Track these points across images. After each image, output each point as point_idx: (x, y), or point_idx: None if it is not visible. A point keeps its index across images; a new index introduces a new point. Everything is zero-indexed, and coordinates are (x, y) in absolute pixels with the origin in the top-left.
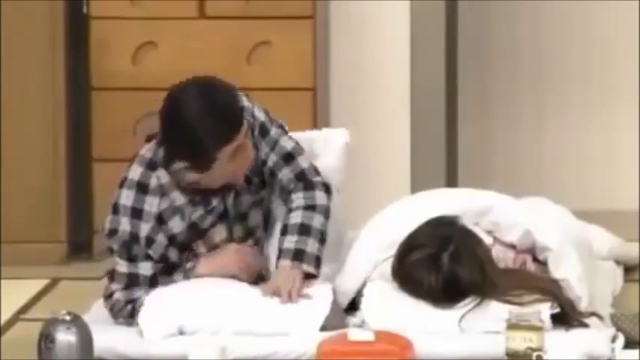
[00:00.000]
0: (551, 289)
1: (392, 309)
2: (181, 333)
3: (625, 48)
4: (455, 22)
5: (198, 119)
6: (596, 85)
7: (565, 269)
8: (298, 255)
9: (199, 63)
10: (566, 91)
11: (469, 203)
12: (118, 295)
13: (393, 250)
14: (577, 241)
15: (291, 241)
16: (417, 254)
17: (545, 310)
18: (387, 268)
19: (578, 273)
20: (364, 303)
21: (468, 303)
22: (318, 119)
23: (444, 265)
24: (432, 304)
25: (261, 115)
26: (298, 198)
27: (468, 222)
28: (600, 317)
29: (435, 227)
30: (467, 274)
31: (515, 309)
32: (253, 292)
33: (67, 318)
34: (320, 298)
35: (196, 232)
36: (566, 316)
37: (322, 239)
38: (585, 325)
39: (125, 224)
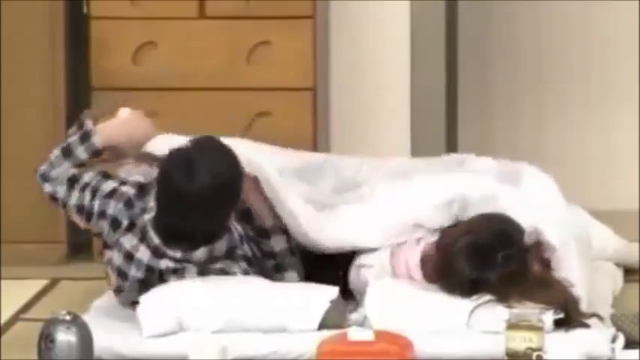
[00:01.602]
0: (567, 303)
1: (395, 307)
2: (180, 328)
3: (625, 48)
4: (455, 22)
5: (203, 206)
6: (596, 85)
7: (566, 269)
8: None
9: (199, 63)
10: (566, 91)
11: (474, 188)
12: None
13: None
14: (577, 238)
15: None
16: (471, 239)
17: (549, 313)
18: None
19: (579, 274)
20: (367, 301)
21: (478, 298)
22: (318, 119)
23: (495, 263)
24: (445, 291)
25: None
26: None
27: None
28: (600, 317)
29: (496, 223)
30: (508, 280)
31: (516, 309)
32: (252, 287)
33: (67, 318)
34: (320, 293)
35: None
36: (568, 318)
37: None
38: (586, 326)
39: None
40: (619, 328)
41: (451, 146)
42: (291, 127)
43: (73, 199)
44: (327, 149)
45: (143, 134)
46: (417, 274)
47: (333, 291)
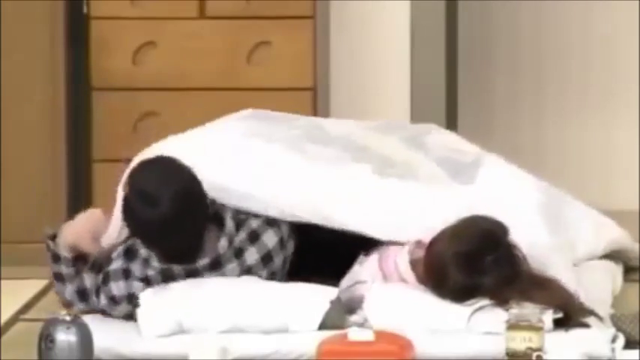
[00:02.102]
0: (566, 302)
1: (395, 308)
2: (180, 330)
3: (625, 48)
4: (455, 22)
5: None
6: (596, 84)
7: (553, 273)
8: None
9: (199, 63)
10: (566, 90)
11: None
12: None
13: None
14: (562, 241)
15: None
16: (457, 248)
17: (548, 313)
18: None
19: (567, 278)
20: (367, 302)
21: (475, 302)
22: None
23: (485, 268)
24: (441, 299)
25: None
26: None
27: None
28: (600, 318)
29: (480, 225)
30: (502, 282)
31: (516, 309)
32: (252, 288)
33: (67, 318)
34: (320, 294)
35: None
36: (567, 317)
37: None
38: (586, 325)
39: None
40: (619, 328)
41: None
42: None
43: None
44: None
45: (100, 225)
46: (410, 276)
47: (332, 291)
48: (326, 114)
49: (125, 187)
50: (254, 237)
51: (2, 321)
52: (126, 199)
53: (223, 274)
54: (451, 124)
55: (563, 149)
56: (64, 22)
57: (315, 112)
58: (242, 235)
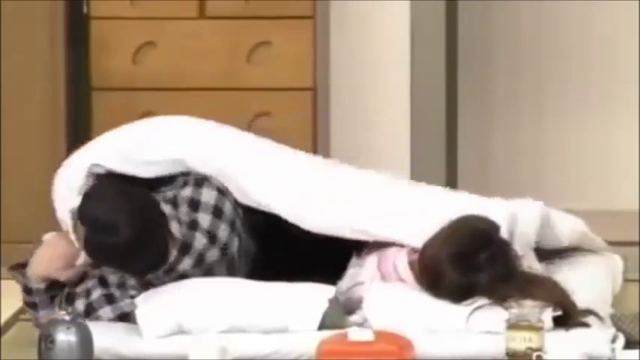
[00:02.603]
0: (563, 298)
1: (395, 308)
2: (179, 330)
3: (625, 48)
4: (455, 22)
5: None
6: (596, 85)
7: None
8: None
9: (199, 63)
10: (566, 90)
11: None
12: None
13: None
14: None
15: None
16: (450, 248)
17: (548, 311)
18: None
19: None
20: (367, 302)
21: (474, 301)
22: (317, 119)
23: (479, 266)
24: (439, 299)
25: None
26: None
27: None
28: (600, 317)
29: (471, 224)
30: (497, 279)
31: (515, 309)
32: (251, 288)
33: (67, 318)
34: (318, 293)
35: None
36: (567, 316)
37: None
38: (586, 325)
39: None
40: (619, 328)
41: (451, 146)
42: (291, 127)
43: None
44: (327, 149)
45: (68, 251)
46: (409, 277)
47: (329, 290)
48: (326, 114)
49: (77, 228)
50: (194, 203)
51: (2, 321)
52: (84, 237)
53: (198, 253)
54: (451, 124)
55: (563, 149)
56: (64, 22)
57: (315, 112)
58: (183, 209)
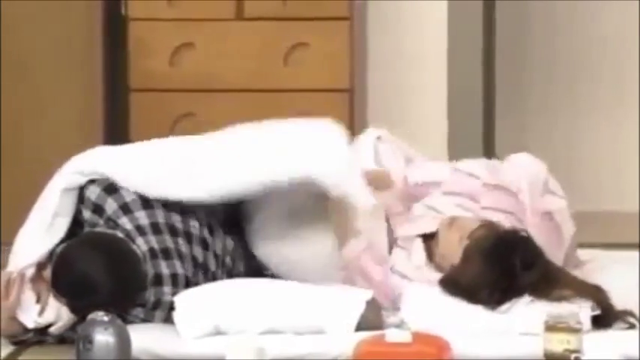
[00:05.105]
0: (595, 293)
1: (432, 309)
2: (217, 331)
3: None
4: (492, 22)
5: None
6: (631, 84)
7: None
8: None
9: (236, 64)
10: (600, 89)
11: None
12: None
13: None
14: None
15: None
16: (484, 259)
17: (586, 312)
18: (429, 271)
19: None
20: (404, 303)
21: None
22: (355, 120)
23: (515, 273)
24: (479, 306)
25: None
26: None
27: None
28: (637, 318)
29: (498, 234)
30: (535, 277)
31: (554, 310)
32: (288, 290)
33: (105, 319)
34: (356, 296)
35: None
36: (605, 316)
37: None
38: (632, 326)
39: None
40: None
41: (488, 146)
42: None
43: None
44: None
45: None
46: (457, 256)
47: (367, 293)
48: (362, 115)
49: (56, 290)
50: (126, 209)
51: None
52: (65, 296)
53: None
54: (488, 124)
55: (597, 146)
56: (102, 23)
57: (351, 114)
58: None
